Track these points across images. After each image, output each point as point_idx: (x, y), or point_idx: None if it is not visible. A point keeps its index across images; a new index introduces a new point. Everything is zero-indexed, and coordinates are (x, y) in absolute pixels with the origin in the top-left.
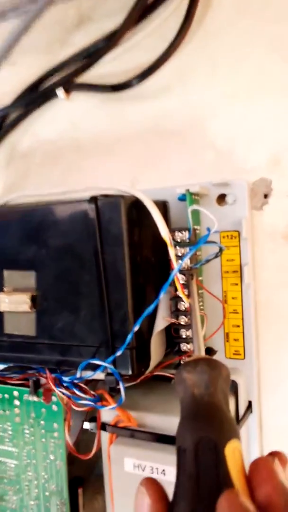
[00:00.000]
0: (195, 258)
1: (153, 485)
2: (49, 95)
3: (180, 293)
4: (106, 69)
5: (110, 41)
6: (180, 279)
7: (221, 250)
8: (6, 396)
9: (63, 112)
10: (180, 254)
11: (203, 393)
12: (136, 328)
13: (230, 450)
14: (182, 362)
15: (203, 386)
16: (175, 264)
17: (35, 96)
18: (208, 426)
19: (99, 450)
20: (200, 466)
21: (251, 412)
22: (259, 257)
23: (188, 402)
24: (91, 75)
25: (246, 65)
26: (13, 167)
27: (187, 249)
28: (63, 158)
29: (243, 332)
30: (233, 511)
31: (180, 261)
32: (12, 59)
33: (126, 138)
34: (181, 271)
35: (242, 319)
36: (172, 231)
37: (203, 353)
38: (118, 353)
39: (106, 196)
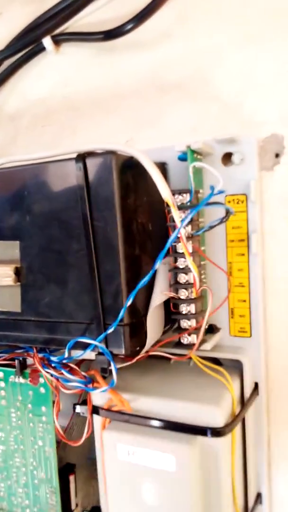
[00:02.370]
0: (196, 225)
1: None
2: (37, 47)
3: (187, 259)
4: (98, 17)
5: None
6: (179, 247)
7: (228, 213)
8: None
9: (53, 67)
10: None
11: None
12: (129, 302)
13: None
14: (181, 341)
15: None
16: (179, 225)
17: (21, 46)
18: None
19: (93, 434)
20: None
21: (258, 394)
22: (269, 224)
23: None
24: (82, 24)
25: (256, 5)
26: (0, 131)
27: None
28: (53, 119)
29: (249, 308)
30: None
31: (179, 224)
32: None
33: (121, 93)
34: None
35: (249, 293)
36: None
37: None
38: (110, 330)
39: (94, 153)
